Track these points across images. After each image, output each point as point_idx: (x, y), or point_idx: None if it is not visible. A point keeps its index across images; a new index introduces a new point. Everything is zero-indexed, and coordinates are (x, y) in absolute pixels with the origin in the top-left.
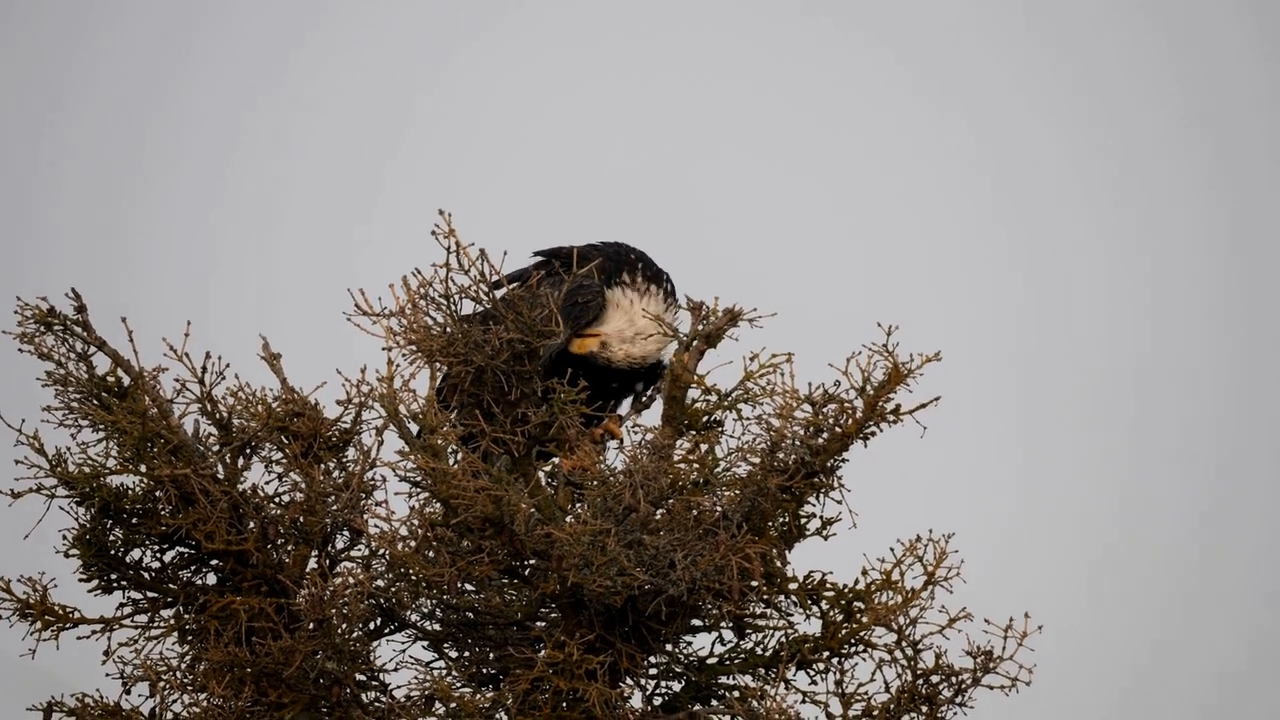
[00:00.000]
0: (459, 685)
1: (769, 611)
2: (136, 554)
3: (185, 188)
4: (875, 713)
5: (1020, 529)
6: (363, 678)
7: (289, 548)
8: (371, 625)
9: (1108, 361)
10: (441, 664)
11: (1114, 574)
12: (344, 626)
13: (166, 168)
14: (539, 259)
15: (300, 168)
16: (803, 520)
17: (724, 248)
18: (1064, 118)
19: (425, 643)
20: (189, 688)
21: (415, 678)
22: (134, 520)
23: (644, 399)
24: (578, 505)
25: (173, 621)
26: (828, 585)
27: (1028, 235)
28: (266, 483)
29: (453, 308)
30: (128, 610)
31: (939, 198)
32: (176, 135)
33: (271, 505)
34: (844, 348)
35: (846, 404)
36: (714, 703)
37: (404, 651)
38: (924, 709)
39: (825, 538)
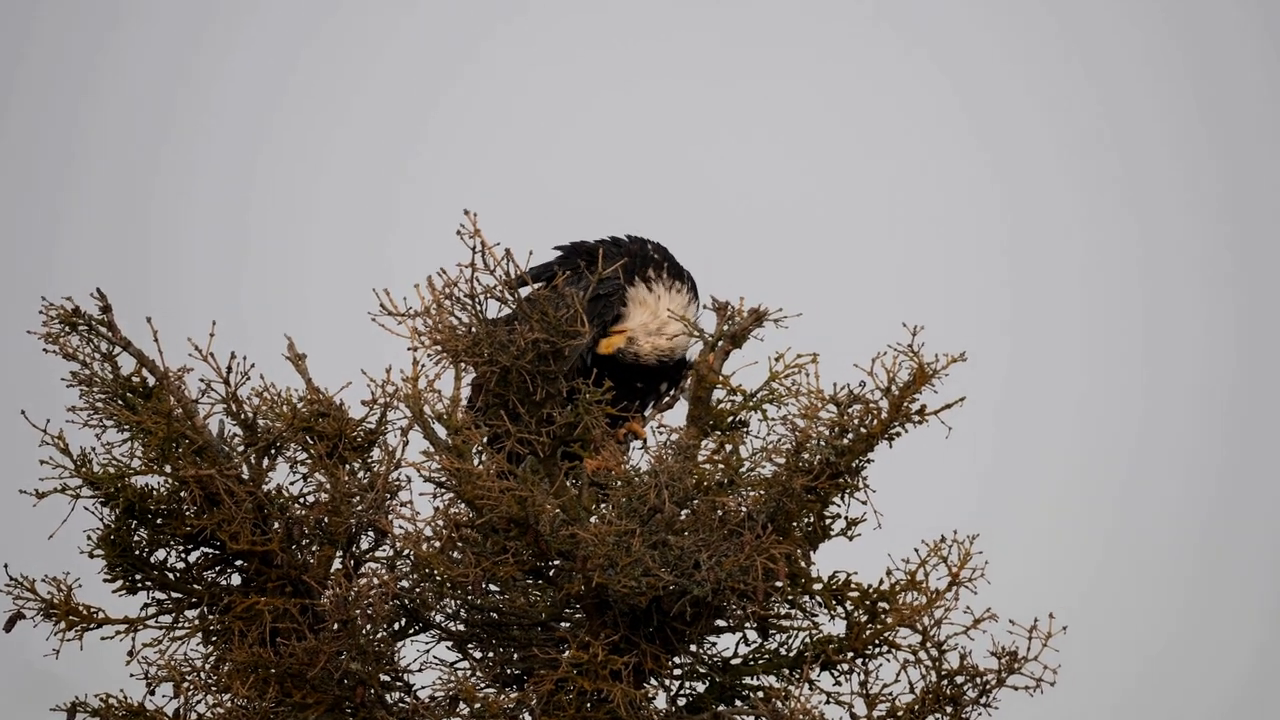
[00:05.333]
0: (483, 686)
1: (793, 612)
2: (161, 554)
3: (206, 187)
4: (900, 714)
5: (1044, 528)
6: (387, 678)
7: (314, 548)
8: (396, 626)
9: (1145, 356)
10: (466, 665)
11: (1138, 573)
12: (368, 627)
13: (188, 166)
14: (560, 254)
15: (324, 166)
16: (827, 521)
17: (747, 247)
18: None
19: (449, 643)
20: (213, 688)
21: (439, 678)
22: (159, 521)
23: (667, 399)
24: (602, 506)
25: (197, 622)
26: (852, 586)
27: (1062, 233)
28: (291, 483)
29: (478, 308)
30: (152, 611)
31: (968, 197)
32: (198, 134)
33: (296, 506)
34: (869, 348)
35: (871, 405)
36: (738, 703)
37: (428, 652)
38: (948, 710)
39: (850, 538)
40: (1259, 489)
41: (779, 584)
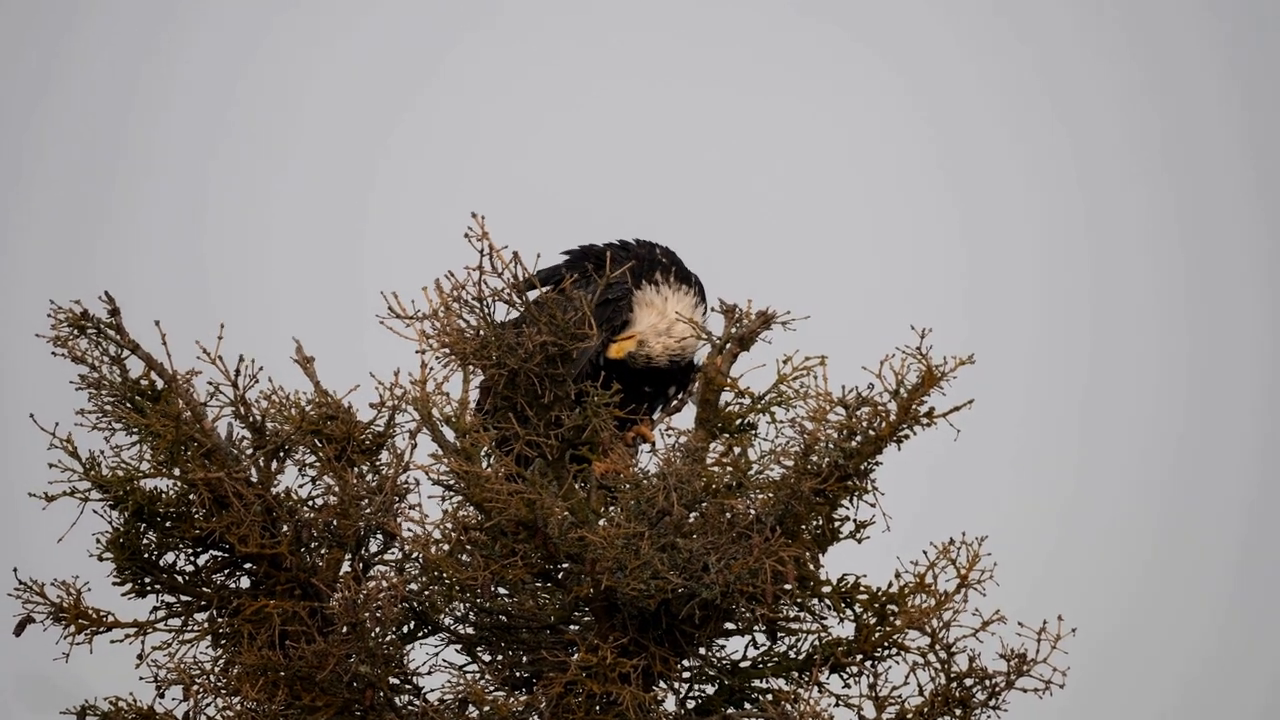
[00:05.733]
0: (492, 689)
1: (802, 615)
2: (170, 557)
3: (207, 186)
4: (909, 716)
5: (1055, 531)
6: (396, 681)
7: (322, 551)
8: (405, 629)
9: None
10: (475, 667)
11: (1155, 579)
12: (377, 630)
13: (185, 164)
14: (569, 258)
15: (326, 161)
16: (836, 523)
17: (754, 250)
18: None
19: (458, 646)
20: (222, 691)
21: (448, 681)
22: (168, 524)
23: (675, 402)
24: (611, 508)
25: (206, 625)
26: (861, 588)
27: (1072, 235)
28: (300, 486)
29: (486, 310)
30: (161, 614)
31: (976, 199)
32: (183, 133)
33: (305, 509)
34: (877, 351)
35: (880, 407)
36: (747, 706)
37: (437, 655)
38: (958, 712)
39: (859, 541)
40: (1217, 485)
41: (788, 586)
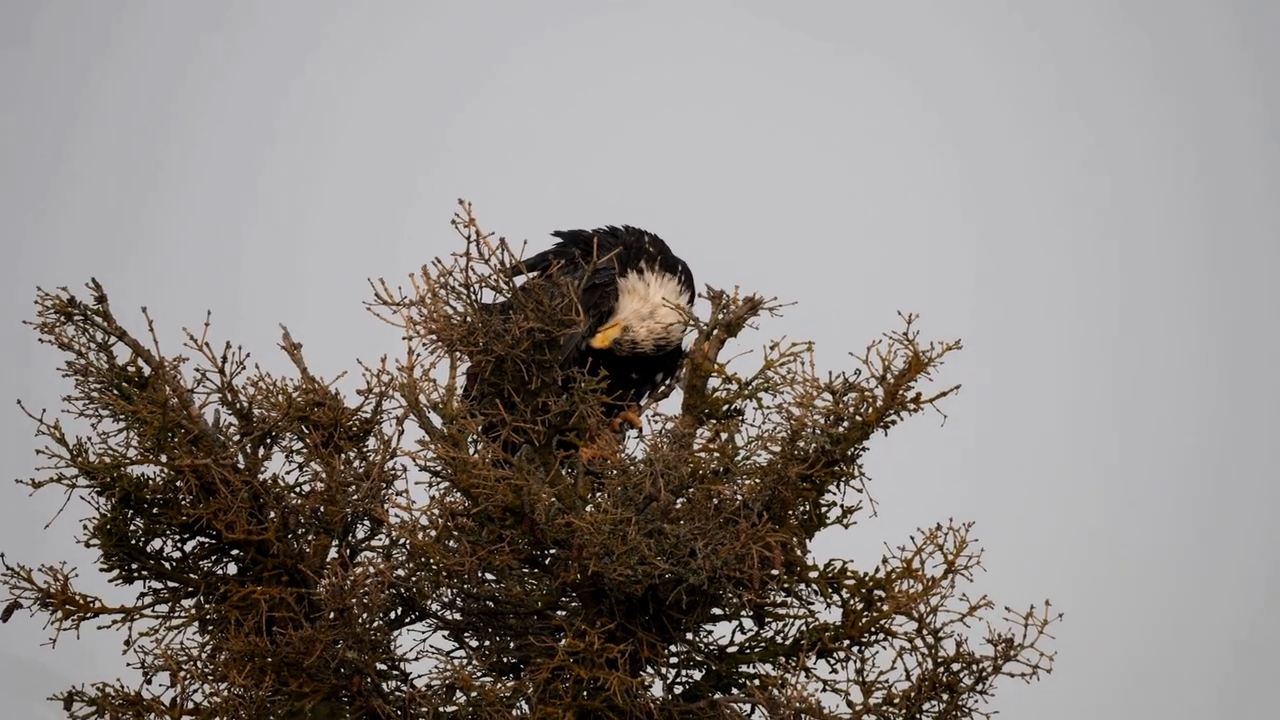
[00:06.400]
0: (480, 674)
1: (789, 600)
2: (157, 544)
3: (206, 178)
4: (896, 701)
5: (1044, 517)
6: (383, 667)
7: (309, 537)
8: (392, 615)
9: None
10: (462, 653)
11: (1127, 563)
12: (364, 616)
13: (188, 159)
14: (559, 241)
15: (324, 159)
16: (823, 509)
17: (741, 237)
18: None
19: (446, 632)
20: (209, 677)
21: (436, 667)
22: (155, 510)
23: (662, 388)
24: (598, 494)
25: (193, 611)
26: (848, 574)
27: (1053, 220)
28: (287, 472)
29: (473, 297)
30: (148, 600)
31: (957, 192)
32: (200, 126)
33: (292, 495)
34: (864, 336)
35: (867, 392)
36: (735, 691)
37: (424, 641)
38: (945, 697)
39: (846, 526)
40: (1244, 475)
41: (775, 572)
